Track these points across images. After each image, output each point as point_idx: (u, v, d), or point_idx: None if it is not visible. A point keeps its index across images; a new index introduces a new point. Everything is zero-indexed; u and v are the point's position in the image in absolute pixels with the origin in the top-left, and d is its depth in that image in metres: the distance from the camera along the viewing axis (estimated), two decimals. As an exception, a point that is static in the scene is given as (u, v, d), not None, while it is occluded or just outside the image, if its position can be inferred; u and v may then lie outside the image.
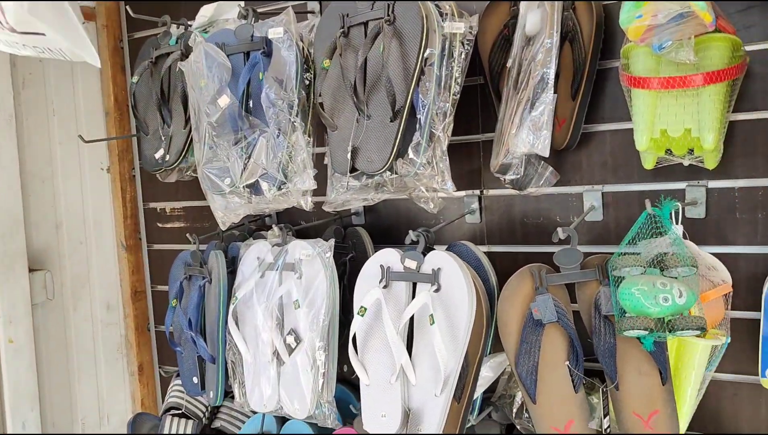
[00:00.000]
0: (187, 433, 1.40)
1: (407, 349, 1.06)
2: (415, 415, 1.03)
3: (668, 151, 1.03)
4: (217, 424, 1.48)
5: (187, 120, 1.32)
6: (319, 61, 1.12)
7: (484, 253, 1.21)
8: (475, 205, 1.27)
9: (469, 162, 1.28)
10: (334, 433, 1.26)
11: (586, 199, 1.17)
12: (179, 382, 1.47)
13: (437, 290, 1.03)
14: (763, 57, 1.01)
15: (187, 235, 1.32)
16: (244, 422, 1.46)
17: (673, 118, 0.97)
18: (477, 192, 1.28)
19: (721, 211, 1.08)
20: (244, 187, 1.16)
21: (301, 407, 1.15)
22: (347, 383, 1.38)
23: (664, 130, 0.98)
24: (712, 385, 1.09)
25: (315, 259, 1.15)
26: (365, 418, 1.07)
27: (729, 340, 1.00)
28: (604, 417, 0.98)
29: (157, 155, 1.35)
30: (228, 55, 1.19)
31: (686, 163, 1.02)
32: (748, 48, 0.99)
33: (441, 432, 1.01)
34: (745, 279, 1.06)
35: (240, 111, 1.14)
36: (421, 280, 1.05)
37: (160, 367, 1.77)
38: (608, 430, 0.98)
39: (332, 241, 1.18)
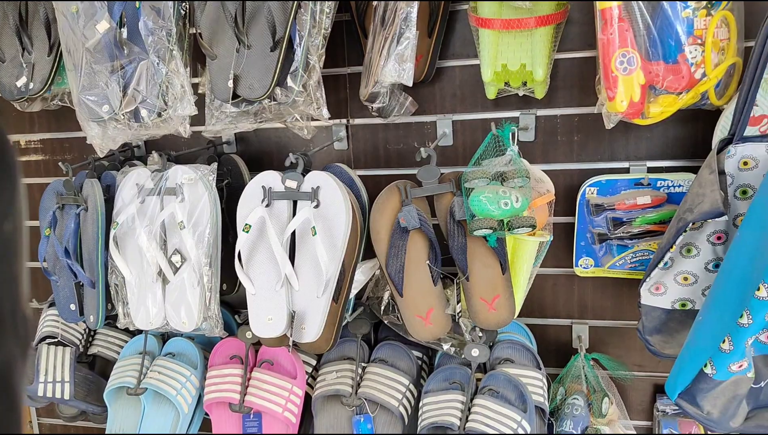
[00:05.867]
0: (65, 359, 1.42)
1: (289, 260, 1.18)
2: (299, 316, 1.17)
3: (506, 84, 1.22)
4: (93, 350, 1.52)
5: (52, 47, 1.30)
6: (197, -5, 1.17)
7: (351, 176, 1.36)
8: (343, 133, 1.40)
9: (336, 93, 1.40)
10: (218, 343, 1.36)
11: (439, 126, 1.35)
12: (53, 311, 1.47)
13: (317, 206, 1.16)
14: (580, 6, 1.22)
15: (60, 163, 1.31)
16: (121, 347, 1.51)
17: (512, 54, 1.16)
18: (344, 121, 1.41)
19: (546, 135, 1.31)
20: (123, 114, 1.20)
21: (188, 321, 1.24)
22: (225, 303, 1.49)
23: (504, 65, 1.17)
24: (537, 278, 1.34)
25: (198, 182, 1.22)
26: (253, 323, 1.19)
27: (552, 239, 1.23)
28: (457, 303, 1.18)
29: (19, 83, 1.31)
30: (98, -18, 1.19)
31: (521, 93, 1.23)
32: (569, -2, 1.19)
33: (322, 328, 1.16)
34: (563, 190, 1.30)
35: (117, 38, 1.16)
36: (301, 197, 1.17)
37: (20, 304, 1.73)
38: (459, 315, 1.19)
39: (215, 165, 1.25)
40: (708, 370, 0.97)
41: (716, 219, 1.04)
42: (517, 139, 1.27)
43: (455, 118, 1.34)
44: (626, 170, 1.27)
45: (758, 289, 0.89)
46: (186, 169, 1.24)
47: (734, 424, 1.01)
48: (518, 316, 1.36)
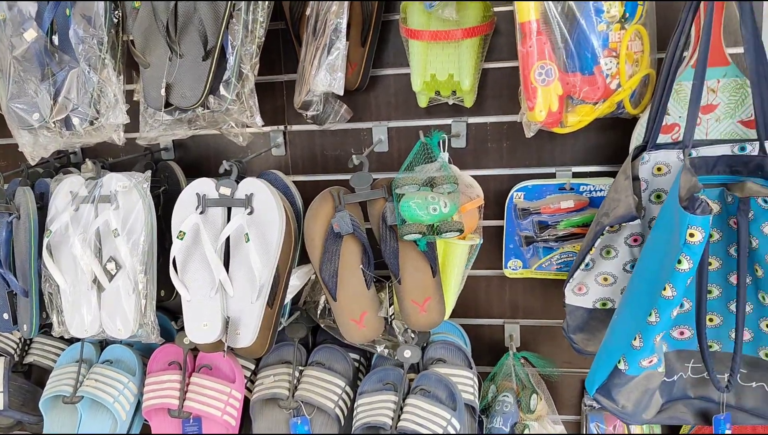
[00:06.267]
0: (-1, 369, 1.40)
1: (224, 266, 1.19)
2: (233, 321, 1.18)
3: (437, 93, 1.26)
4: (29, 359, 1.50)
5: (-20, 54, 1.28)
6: (129, 1, 1.17)
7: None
8: (280, 140, 1.42)
9: (273, 100, 1.41)
10: (156, 350, 1.37)
11: (375, 133, 1.38)
12: (-14, 321, 1.45)
13: (251, 213, 1.17)
14: (506, 17, 1.27)
15: (-10, 172, 1.30)
16: (58, 355, 1.49)
17: (440, 64, 1.20)
18: (281, 127, 1.42)
19: (477, 142, 1.35)
20: (54, 122, 1.19)
21: (124, 328, 1.24)
22: (163, 309, 1.49)
23: (433, 75, 1.21)
24: (471, 279, 1.39)
25: (132, 189, 1.22)
26: (188, 329, 1.20)
27: (482, 242, 1.28)
28: (390, 306, 1.21)
29: (-53, 89, 1.29)
30: (28, -11, 1.18)
31: (450, 102, 1.27)
32: (496, 9, 1.23)
33: (257, 333, 1.18)
34: (493, 195, 1.35)
35: (47, 46, 1.16)
36: (235, 204, 1.18)
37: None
38: (392, 317, 1.22)
39: (149, 172, 1.25)
40: (621, 366, 1.02)
41: (631, 222, 1.10)
42: (449, 146, 1.31)
43: (390, 125, 1.38)
44: (553, 175, 1.32)
45: (664, 289, 0.95)
46: (120, 177, 1.24)
47: (647, 416, 1.07)
48: (453, 317, 1.41)
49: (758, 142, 1.05)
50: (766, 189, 1.01)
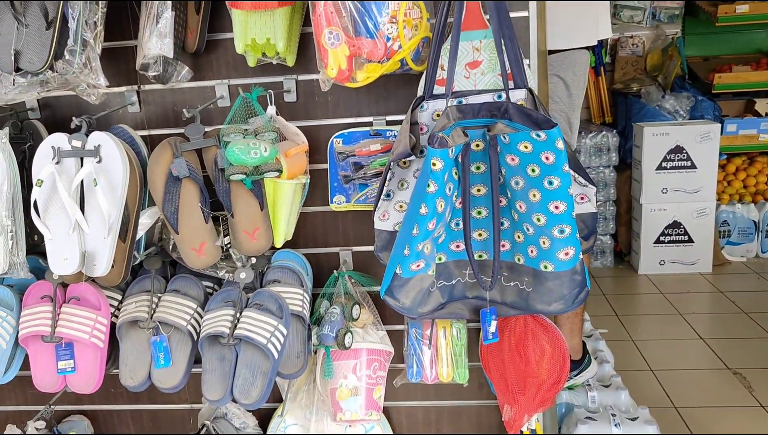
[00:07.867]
0: None
1: (81, 209, 1.39)
2: (90, 254, 1.38)
3: (264, 54, 1.47)
4: None
5: None
6: (-24, -23, 1.33)
7: (145, 136, 1.58)
8: (135, 98, 1.61)
9: (126, 63, 1.59)
10: (30, 286, 1.55)
11: (218, 90, 1.58)
12: None
13: (99, 161, 1.37)
14: (321, -11, 1.48)
15: None
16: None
17: (259, 30, 1.41)
18: (135, 87, 1.61)
19: (306, 96, 1.58)
20: None
21: (-5, 266, 1.42)
22: (39, 253, 1.67)
23: (253, 39, 1.41)
24: (309, 215, 1.63)
25: (-7, 144, 1.40)
26: (51, 263, 1.39)
27: (309, 181, 1.51)
28: (225, 237, 1.44)
29: None
30: None
31: (275, 62, 1.48)
32: (309, -18, 1.44)
33: (111, 264, 1.39)
34: (322, 141, 1.58)
35: None
36: (86, 155, 1.37)
37: None
38: (228, 246, 1.45)
39: (7, 129, 1.42)
40: (398, 271, 1.29)
41: (414, 158, 1.36)
42: (280, 100, 1.53)
43: (231, 83, 1.58)
44: (370, 124, 1.56)
45: (421, 208, 1.21)
46: (-19, 134, 1.40)
47: (423, 310, 1.34)
48: (296, 247, 1.65)
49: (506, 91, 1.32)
50: (509, 127, 1.28)
